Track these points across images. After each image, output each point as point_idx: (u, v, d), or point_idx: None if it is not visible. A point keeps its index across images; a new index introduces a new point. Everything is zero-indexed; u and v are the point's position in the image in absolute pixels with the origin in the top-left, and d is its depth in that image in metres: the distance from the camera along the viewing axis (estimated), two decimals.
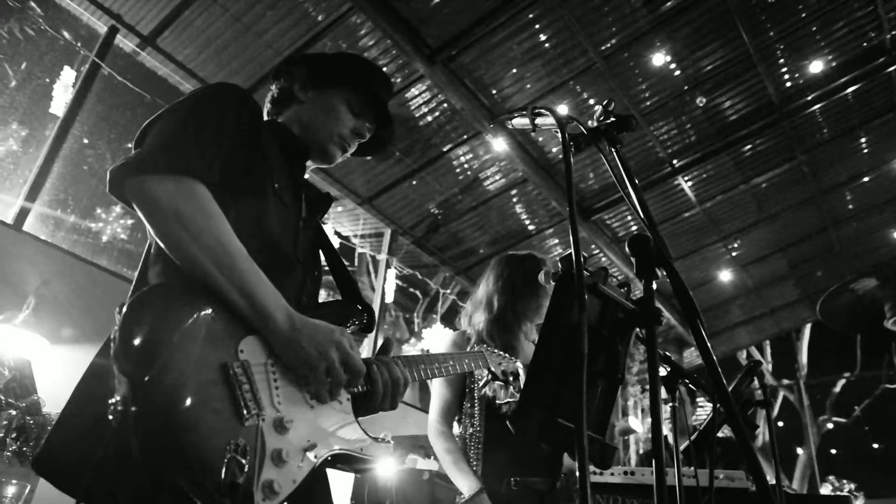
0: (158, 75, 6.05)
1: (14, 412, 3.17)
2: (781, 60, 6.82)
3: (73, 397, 1.25)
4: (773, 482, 2.94)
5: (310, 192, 1.73)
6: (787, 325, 11.73)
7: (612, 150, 1.68)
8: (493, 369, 2.00)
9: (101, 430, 1.07)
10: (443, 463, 2.59)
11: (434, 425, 2.66)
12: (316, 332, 1.30)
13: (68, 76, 4.92)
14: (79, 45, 5.29)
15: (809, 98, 7.14)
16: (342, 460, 1.37)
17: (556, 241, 8.77)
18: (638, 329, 1.48)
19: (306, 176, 1.77)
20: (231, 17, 5.71)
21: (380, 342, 1.68)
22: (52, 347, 4.02)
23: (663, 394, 2.43)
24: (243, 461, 1.10)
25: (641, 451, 10.74)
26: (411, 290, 11.29)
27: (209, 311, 1.21)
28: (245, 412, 1.15)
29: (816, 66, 6.87)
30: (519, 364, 2.14)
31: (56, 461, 1.22)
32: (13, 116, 5.40)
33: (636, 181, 1.56)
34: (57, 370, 3.95)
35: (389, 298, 7.84)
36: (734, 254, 9.51)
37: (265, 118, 1.76)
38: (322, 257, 1.76)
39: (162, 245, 1.27)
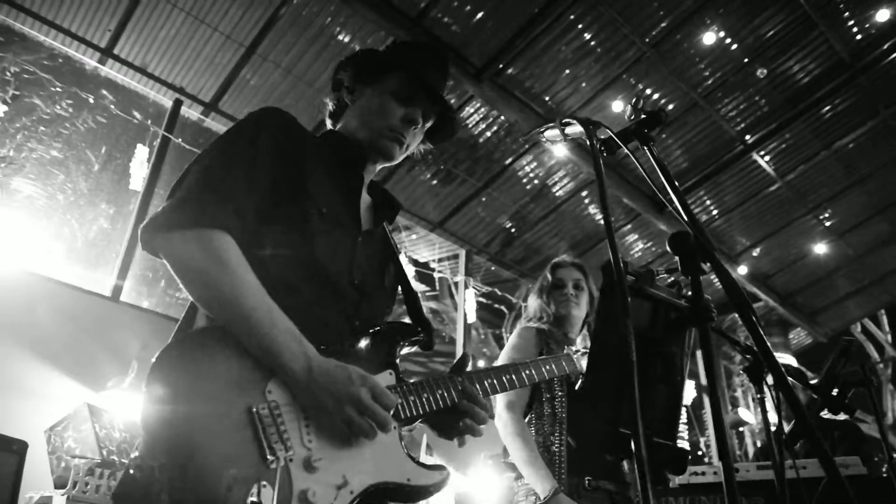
0: None
1: None
2: (846, 14, 6.42)
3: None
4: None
5: (376, 200, 1.69)
6: None
7: (646, 149, 1.65)
8: (578, 370, 1.95)
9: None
10: (516, 460, 2.52)
11: (505, 419, 2.57)
12: (333, 382, 1.25)
13: (142, 153, 5.31)
14: (149, 122, 5.68)
15: (885, 48, 6.67)
16: (390, 493, 1.33)
17: (636, 236, 8.56)
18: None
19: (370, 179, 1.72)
20: (283, 71, 5.98)
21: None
22: None
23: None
24: None
25: (758, 444, 10.20)
26: (496, 306, 11.27)
27: (238, 355, 1.24)
28: (269, 455, 1.17)
29: (884, 15, 6.41)
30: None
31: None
32: (100, 197, 5.84)
33: (671, 175, 1.52)
34: None
35: (472, 318, 7.85)
36: (827, 224, 8.95)
37: (328, 128, 1.75)
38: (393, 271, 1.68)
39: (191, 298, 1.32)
